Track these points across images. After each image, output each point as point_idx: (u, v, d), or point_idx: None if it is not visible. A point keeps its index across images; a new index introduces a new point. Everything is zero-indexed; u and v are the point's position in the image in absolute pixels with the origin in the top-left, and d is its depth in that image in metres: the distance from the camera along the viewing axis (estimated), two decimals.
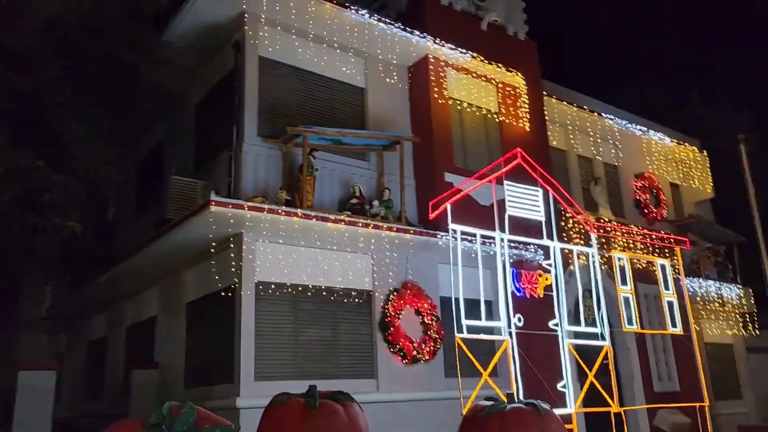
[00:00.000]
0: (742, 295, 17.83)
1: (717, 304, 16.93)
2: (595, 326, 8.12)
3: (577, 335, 8.12)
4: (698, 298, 16.21)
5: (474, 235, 7.82)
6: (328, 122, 11.06)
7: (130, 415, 11.16)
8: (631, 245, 12.95)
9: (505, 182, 8.02)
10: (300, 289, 9.85)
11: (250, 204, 8.91)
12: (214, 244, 9.72)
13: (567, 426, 5.94)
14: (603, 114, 16.28)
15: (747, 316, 18.38)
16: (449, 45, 12.20)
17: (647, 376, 14.15)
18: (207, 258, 10.44)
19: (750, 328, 18.31)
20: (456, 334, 7.07)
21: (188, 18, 10.60)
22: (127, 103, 10.84)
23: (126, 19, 8.97)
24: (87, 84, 9.48)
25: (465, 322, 7.06)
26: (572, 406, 7.56)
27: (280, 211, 9.09)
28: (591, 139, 16.47)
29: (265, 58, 10.67)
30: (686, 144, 19.02)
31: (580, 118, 15.92)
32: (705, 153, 19.78)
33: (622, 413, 8.07)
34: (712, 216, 19.71)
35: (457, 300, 7.10)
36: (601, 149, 16.65)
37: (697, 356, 9.81)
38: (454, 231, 7.70)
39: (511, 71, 13.40)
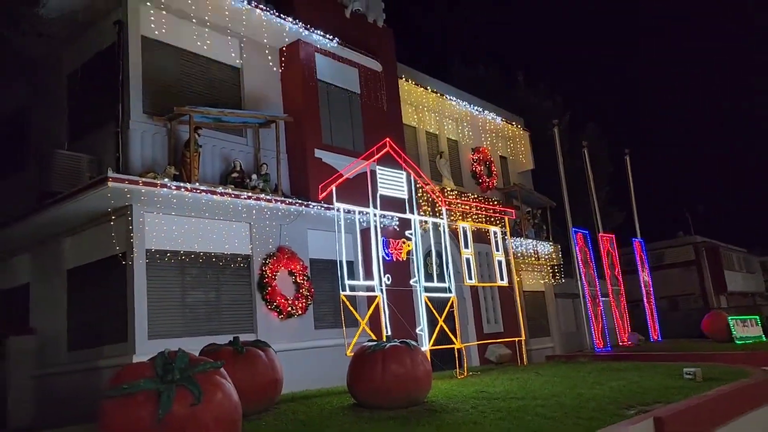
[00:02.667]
0: (552, 250, 21.42)
1: (533, 259, 20.28)
2: (444, 281, 10.17)
3: (431, 289, 10.13)
4: (519, 255, 19.36)
5: (352, 210, 9.38)
6: (207, 100, 11.88)
7: (8, 380, 11.46)
8: (470, 212, 15.34)
9: (377, 168, 9.65)
10: (188, 255, 10.82)
11: (144, 179, 9.66)
12: (102, 215, 10.32)
13: None
14: (447, 95, 18.49)
15: (555, 267, 22.08)
16: (318, 31, 13.43)
17: (479, 320, 16.96)
18: (90, 228, 10.98)
19: (557, 277, 22.06)
20: (341, 291, 8.67)
21: None
22: None
23: None
24: None
25: (348, 282, 8.68)
26: (427, 345, 9.58)
27: (171, 186, 9.94)
28: (437, 117, 18.70)
29: (147, 37, 11.17)
30: (513, 123, 22.05)
31: (428, 99, 18.01)
32: (526, 130, 23.01)
33: (463, 349, 10.26)
34: (531, 184, 23.15)
35: (341, 263, 8.67)
36: (445, 126, 18.96)
37: (518, 303, 12.36)
38: (338, 209, 9.19)
39: (371, 56, 14.97)
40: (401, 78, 16.44)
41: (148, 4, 11.22)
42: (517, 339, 12.43)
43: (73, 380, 10.75)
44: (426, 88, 17.73)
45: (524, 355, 12.46)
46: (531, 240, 20.34)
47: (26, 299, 12.39)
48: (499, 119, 21.07)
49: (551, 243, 21.65)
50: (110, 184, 9.25)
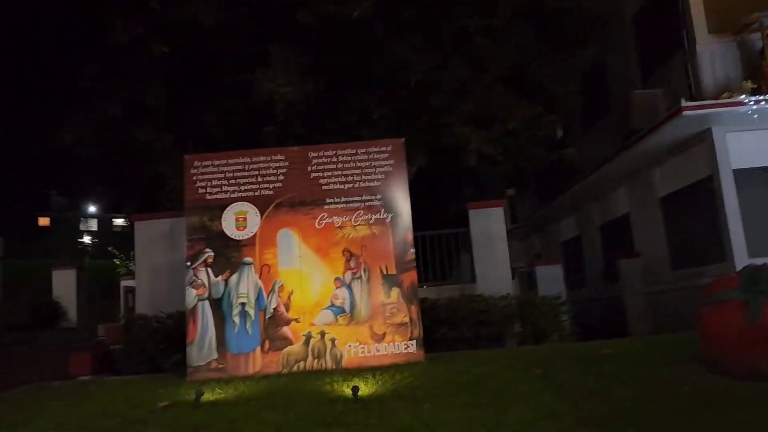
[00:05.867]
0: None
1: None
2: None
3: None
4: None
5: None
6: None
7: (624, 296, 13.29)
8: None
9: None
10: None
11: (720, 101, 9.69)
12: (682, 143, 10.84)
13: None
14: None
15: None
16: None
17: None
18: (673, 156, 11.63)
19: None
20: None
21: None
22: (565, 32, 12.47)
23: None
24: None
25: None
26: None
27: (750, 101, 9.58)
28: None
29: None
30: None
31: None
32: None
33: None
34: None
35: None
36: None
37: None
38: None
39: None
40: None
41: None
42: None
43: (678, 296, 11.71)
44: None
45: None
46: None
47: (628, 227, 14.06)
48: None
49: None
50: (685, 113, 9.67)
